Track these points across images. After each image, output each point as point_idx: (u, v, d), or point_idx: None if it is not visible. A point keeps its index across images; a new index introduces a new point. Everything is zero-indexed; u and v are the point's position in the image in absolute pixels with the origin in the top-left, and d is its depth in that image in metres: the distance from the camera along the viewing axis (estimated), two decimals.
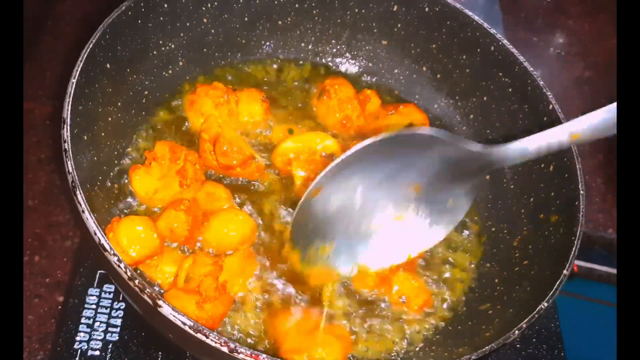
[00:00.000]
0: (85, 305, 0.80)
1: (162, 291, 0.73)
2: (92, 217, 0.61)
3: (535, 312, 0.64)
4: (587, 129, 0.57)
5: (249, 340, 0.72)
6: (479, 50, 0.90)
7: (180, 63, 0.92)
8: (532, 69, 0.85)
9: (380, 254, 0.74)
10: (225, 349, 0.56)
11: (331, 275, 0.75)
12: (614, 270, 0.88)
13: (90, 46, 0.73)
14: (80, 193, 0.62)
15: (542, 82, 0.83)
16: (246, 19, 0.96)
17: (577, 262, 0.82)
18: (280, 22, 0.99)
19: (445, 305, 0.80)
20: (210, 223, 0.76)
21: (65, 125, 0.66)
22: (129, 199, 0.80)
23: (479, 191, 0.74)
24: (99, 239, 0.60)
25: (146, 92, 0.87)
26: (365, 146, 0.67)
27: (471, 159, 0.66)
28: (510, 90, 0.87)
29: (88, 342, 0.77)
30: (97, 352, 0.77)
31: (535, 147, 0.62)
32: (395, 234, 0.74)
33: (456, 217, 0.74)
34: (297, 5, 0.97)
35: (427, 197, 0.71)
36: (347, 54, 1.03)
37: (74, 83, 0.69)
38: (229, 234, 0.76)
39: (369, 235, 0.74)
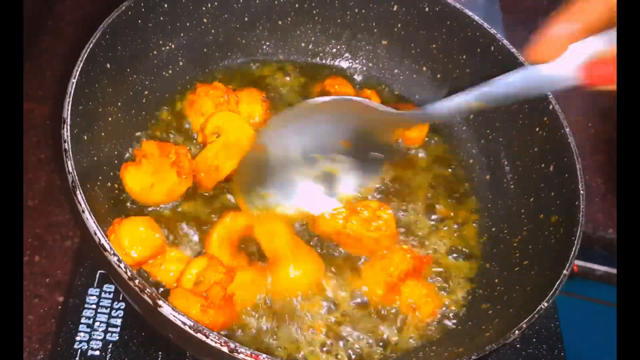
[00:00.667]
0: (85, 305, 0.80)
1: (167, 288, 0.73)
2: (92, 217, 0.61)
3: (535, 312, 0.64)
4: (489, 96, 0.66)
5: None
6: (479, 50, 0.90)
7: (181, 63, 0.92)
8: None
9: (317, 199, 0.83)
10: (225, 349, 0.56)
11: (274, 216, 0.82)
12: (614, 270, 0.88)
13: (90, 46, 0.73)
14: (81, 193, 0.62)
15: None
16: (246, 19, 0.96)
17: (577, 262, 0.82)
18: (280, 22, 0.99)
19: (445, 306, 0.80)
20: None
21: (65, 125, 0.66)
22: (130, 199, 0.80)
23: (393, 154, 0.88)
24: (99, 239, 0.60)
25: (146, 92, 0.87)
26: (302, 106, 0.83)
27: (382, 119, 0.79)
28: None
29: (88, 342, 0.77)
30: (97, 352, 0.77)
31: (438, 112, 0.72)
32: (330, 181, 0.83)
33: (379, 168, 0.86)
34: (297, 5, 0.97)
35: (356, 151, 0.82)
36: (347, 54, 1.03)
37: (74, 83, 0.69)
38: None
39: (307, 183, 0.83)
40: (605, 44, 0.50)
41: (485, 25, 0.89)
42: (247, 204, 0.82)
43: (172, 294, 0.70)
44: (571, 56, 0.52)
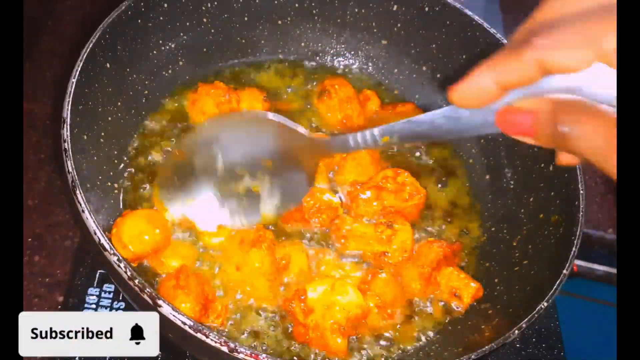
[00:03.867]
0: (85, 305, 0.80)
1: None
2: (92, 217, 0.61)
3: (535, 312, 0.64)
4: (395, 132, 0.62)
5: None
6: (479, 50, 0.90)
7: (180, 63, 0.92)
8: None
9: (237, 216, 0.81)
10: (225, 349, 0.56)
11: (191, 224, 0.80)
12: (614, 270, 0.88)
13: (90, 46, 0.73)
14: (80, 193, 0.62)
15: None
16: (246, 18, 0.96)
17: (577, 262, 0.82)
18: (280, 22, 0.99)
19: (444, 305, 0.80)
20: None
21: (65, 125, 0.66)
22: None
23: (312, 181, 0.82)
24: (99, 239, 0.60)
25: (146, 92, 0.87)
26: (223, 119, 0.83)
27: (306, 144, 0.76)
28: None
29: None
30: None
31: (353, 142, 0.68)
32: (252, 200, 0.81)
33: (301, 193, 0.81)
34: (297, 5, 0.97)
35: (279, 173, 0.80)
36: (347, 54, 1.03)
37: (74, 83, 0.69)
38: None
39: (228, 198, 0.81)
40: (520, 94, 0.46)
41: (486, 25, 0.89)
42: (166, 207, 0.80)
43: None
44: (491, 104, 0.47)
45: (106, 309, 0.80)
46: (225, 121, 0.83)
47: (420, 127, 0.59)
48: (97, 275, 0.82)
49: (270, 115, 0.78)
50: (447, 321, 0.78)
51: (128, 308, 0.80)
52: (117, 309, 0.80)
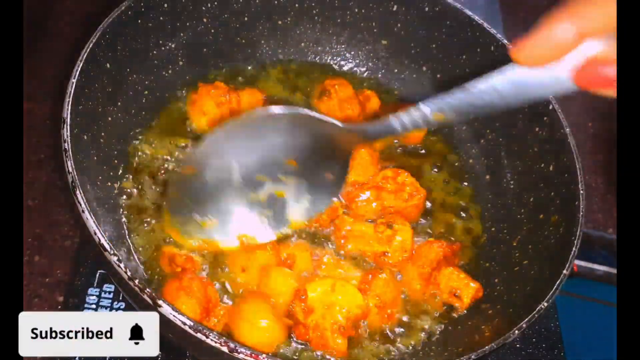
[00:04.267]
0: (85, 305, 0.80)
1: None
2: (92, 217, 0.61)
3: (535, 312, 0.64)
4: (448, 109, 0.56)
5: None
6: (478, 50, 0.90)
7: (180, 63, 0.92)
8: None
9: (264, 226, 0.75)
10: (225, 349, 0.56)
11: (215, 246, 0.75)
12: (614, 270, 0.88)
13: (90, 46, 0.73)
14: (80, 193, 0.62)
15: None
16: (246, 18, 0.96)
17: (577, 262, 0.82)
18: (280, 22, 0.99)
19: (445, 305, 0.80)
20: None
21: (65, 125, 0.66)
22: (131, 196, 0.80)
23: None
24: (99, 239, 0.60)
25: (146, 92, 0.87)
26: (233, 124, 0.70)
27: (340, 135, 0.69)
28: None
29: None
30: None
31: (399, 125, 0.63)
32: (277, 207, 0.75)
33: (335, 190, 0.76)
34: (297, 5, 0.97)
35: (305, 171, 0.73)
36: (347, 54, 1.03)
37: (74, 83, 0.69)
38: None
39: (251, 209, 0.75)
40: (602, 45, 0.42)
41: (485, 25, 0.89)
42: (182, 235, 0.74)
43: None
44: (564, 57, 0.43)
45: (106, 309, 0.80)
46: (237, 125, 0.72)
47: (482, 98, 0.52)
48: (97, 275, 0.82)
49: (290, 109, 0.70)
50: (446, 321, 0.78)
51: (128, 308, 0.80)
52: (117, 309, 0.80)
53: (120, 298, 0.81)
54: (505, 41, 0.87)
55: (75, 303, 0.80)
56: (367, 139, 0.70)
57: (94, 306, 0.80)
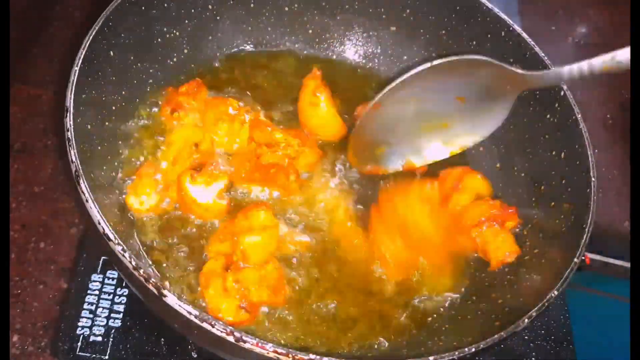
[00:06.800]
0: (88, 291, 0.80)
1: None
2: (96, 206, 0.60)
3: (545, 300, 0.63)
4: (615, 62, 0.60)
5: None
6: (489, 36, 0.88)
7: (185, 50, 0.91)
8: (543, 54, 0.83)
9: (426, 152, 0.87)
10: (231, 339, 0.55)
11: (381, 170, 0.89)
12: (628, 264, 0.87)
13: (93, 33, 0.72)
14: (84, 182, 0.62)
15: (552, 67, 0.81)
16: (252, 5, 0.95)
17: (590, 255, 0.81)
18: (286, 9, 0.98)
19: (454, 294, 0.79)
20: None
21: (68, 114, 0.65)
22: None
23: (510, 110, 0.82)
24: (104, 229, 0.60)
25: (151, 81, 0.87)
26: (420, 71, 0.78)
27: (510, 79, 0.77)
28: None
29: (90, 327, 0.77)
30: (100, 338, 0.77)
31: (568, 73, 0.68)
32: (441, 136, 0.86)
33: (492, 126, 0.84)
34: None
35: (470, 108, 0.82)
36: (355, 40, 1.02)
37: (77, 71, 0.68)
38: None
39: (417, 138, 0.87)
40: None
41: (496, 10, 0.87)
42: (360, 162, 0.88)
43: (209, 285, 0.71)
44: None
45: (109, 295, 0.80)
46: (418, 74, 0.80)
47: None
48: (101, 261, 0.82)
49: (470, 56, 0.78)
50: (453, 312, 0.78)
51: (131, 295, 0.80)
52: (120, 295, 0.80)
53: (124, 285, 0.80)
54: (515, 26, 0.85)
55: (78, 289, 0.80)
56: (537, 85, 0.77)
57: (96, 292, 0.80)
